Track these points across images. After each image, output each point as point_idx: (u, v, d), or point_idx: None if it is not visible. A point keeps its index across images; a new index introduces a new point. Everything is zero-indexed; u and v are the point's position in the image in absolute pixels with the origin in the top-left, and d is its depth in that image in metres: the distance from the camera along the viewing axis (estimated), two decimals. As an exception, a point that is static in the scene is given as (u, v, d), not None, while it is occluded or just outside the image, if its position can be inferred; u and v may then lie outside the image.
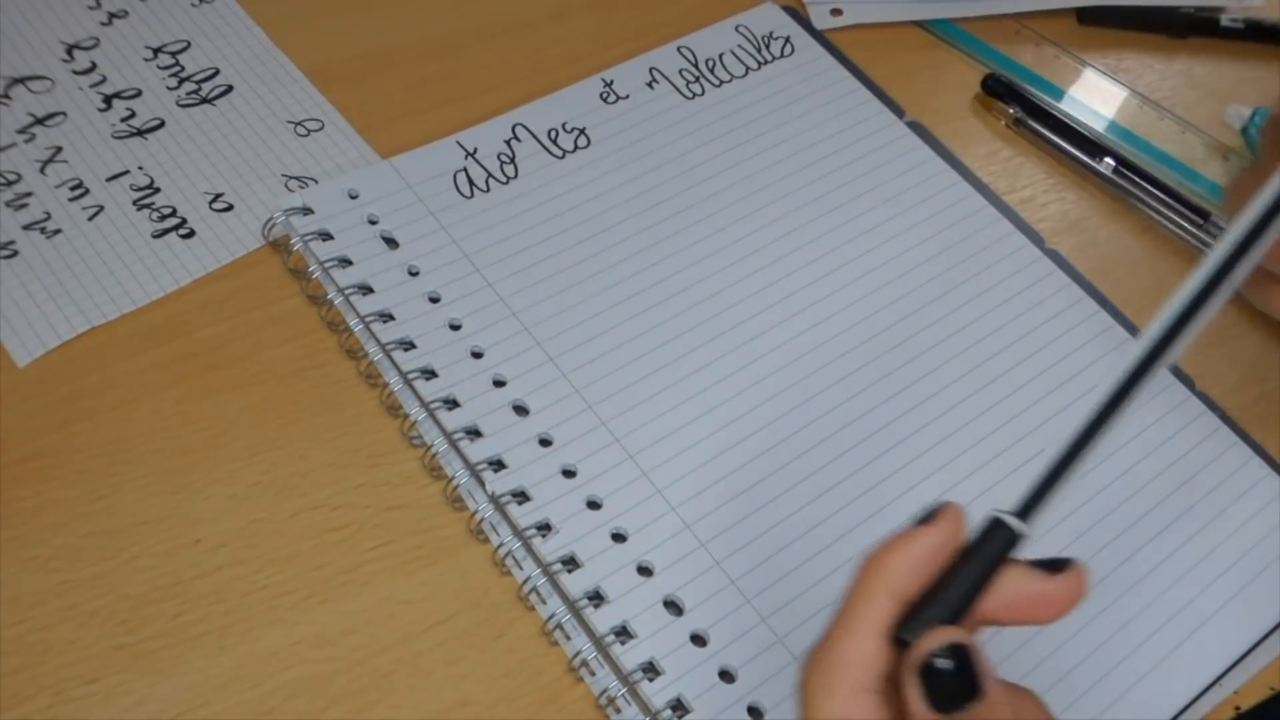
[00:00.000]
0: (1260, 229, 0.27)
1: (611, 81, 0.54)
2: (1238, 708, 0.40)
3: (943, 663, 0.24)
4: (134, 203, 0.48)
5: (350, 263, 0.46)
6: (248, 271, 0.47)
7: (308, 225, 0.46)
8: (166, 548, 0.39)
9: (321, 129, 0.51)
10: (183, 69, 0.53)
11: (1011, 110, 0.56)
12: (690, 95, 0.54)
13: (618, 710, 0.37)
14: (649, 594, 0.39)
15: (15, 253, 0.46)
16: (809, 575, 0.40)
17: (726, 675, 0.38)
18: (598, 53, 0.55)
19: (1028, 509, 0.26)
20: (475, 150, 0.50)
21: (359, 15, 0.56)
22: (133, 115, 0.51)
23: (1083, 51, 0.60)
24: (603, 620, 0.38)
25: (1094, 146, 0.55)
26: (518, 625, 0.39)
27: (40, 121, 0.50)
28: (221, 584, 0.39)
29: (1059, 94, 0.58)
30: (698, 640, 0.38)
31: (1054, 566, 0.26)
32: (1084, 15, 0.61)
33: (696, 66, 0.55)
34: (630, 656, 0.38)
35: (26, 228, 0.47)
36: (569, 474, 0.41)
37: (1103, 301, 0.49)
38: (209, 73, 0.53)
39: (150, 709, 0.36)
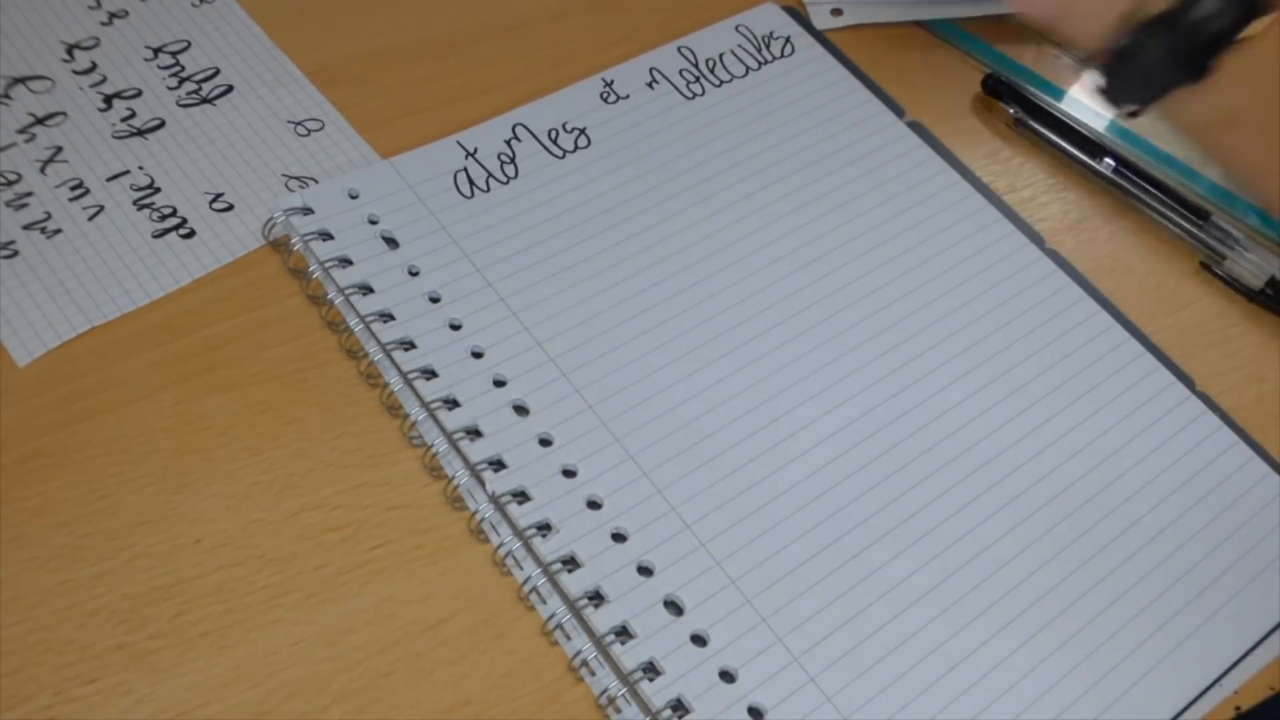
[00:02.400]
0: None
1: (611, 81, 0.54)
2: (1238, 708, 0.40)
3: None
4: (134, 203, 0.48)
5: (350, 262, 0.46)
6: (248, 271, 0.47)
7: (308, 225, 0.46)
8: (166, 548, 0.39)
9: (321, 129, 0.51)
10: (183, 69, 0.53)
11: (1011, 110, 0.56)
12: (690, 95, 0.54)
13: (618, 710, 0.37)
14: (649, 594, 0.39)
15: (15, 253, 0.46)
16: (809, 575, 0.40)
17: (727, 675, 0.38)
18: (598, 53, 0.55)
19: None
20: (475, 150, 0.50)
21: (359, 15, 0.56)
22: (133, 115, 0.51)
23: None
24: (603, 620, 0.38)
25: (1094, 146, 0.55)
26: (518, 625, 0.39)
27: (40, 121, 0.50)
28: (221, 584, 0.39)
29: (1059, 94, 0.58)
30: (698, 640, 0.38)
31: None
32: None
33: (697, 66, 0.55)
34: (630, 656, 0.38)
35: (26, 228, 0.47)
36: (569, 474, 0.41)
37: (1102, 301, 0.49)
38: (209, 73, 0.53)
39: (150, 709, 0.36)
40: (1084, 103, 0.58)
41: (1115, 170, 0.54)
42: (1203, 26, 0.35)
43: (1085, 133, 0.55)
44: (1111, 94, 0.38)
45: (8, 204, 0.47)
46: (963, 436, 0.44)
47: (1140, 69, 0.37)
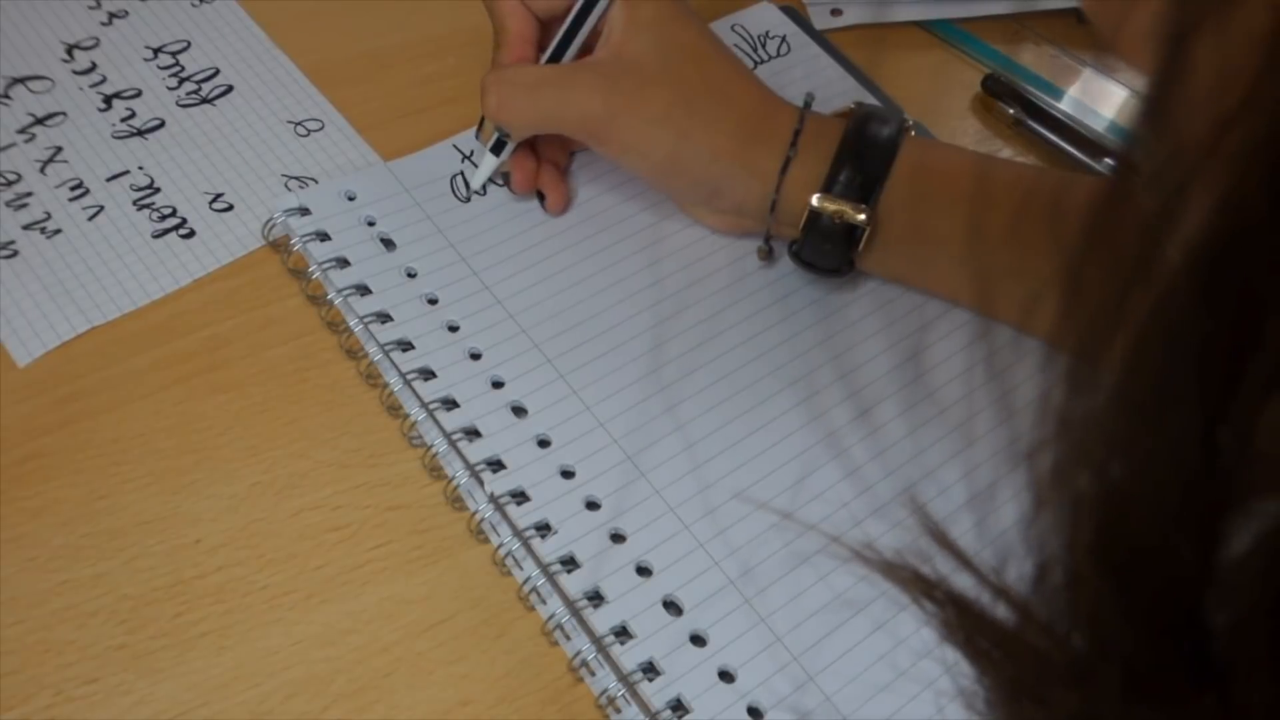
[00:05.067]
0: None
1: (611, 81, 0.54)
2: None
3: None
4: (134, 203, 0.48)
5: (348, 263, 0.46)
6: (248, 271, 0.47)
7: (305, 226, 0.46)
8: (166, 548, 0.39)
9: (321, 129, 0.51)
10: (183, 69, 0.53)
11: (1011, 110, 0.56)
12: (690, 95, 0.54)
13: (618, 710, 0.37)
14: (648, 594, 0.39)
15: (15, 253, 0.46)
16: (808, 574, 0.40)
17: (726, 675, 0.38)
18: (597, 53, 0.55)
19: None
20: (471, 153, 0.50)
21: (359, 15, 0.56)
22: (133, 115, 0.51)
23: (1083, 51, 0.60)
24: (602, 620, 0.38)
25: (1094, 146, 0.55)
26: (518, 625, 0.39)
27: (40, 121, 0.50)
28: (221, 584, 0.39)
29: (1059, 94, 0.58)
30: (697, 640, 0.38)
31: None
32: (1084, 15, 0.61)
33: (696, 66, 0.55)
34: (630, 656, 0.38)
35: (26, 228, 0.47)
36: (567, 474, 0.41)
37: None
38: (209, 73, 0.53)
39: (150, 709, 0.36)
40: (1084, 103, 0.58)
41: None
42: (829, 232, 0.44)
43: (1085, 133, 0.55)
44: (804, 263, 0.46)
45: (8, 204, 0.47)
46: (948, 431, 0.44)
47: (812, 256, 0.46)
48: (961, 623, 0.20)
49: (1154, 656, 0.17)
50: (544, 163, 0.49)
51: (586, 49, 0.47)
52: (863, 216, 0.43)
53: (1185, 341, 0.16)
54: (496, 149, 0.47)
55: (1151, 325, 0.16)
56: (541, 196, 0.48)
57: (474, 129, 0.50)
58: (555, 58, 0.46)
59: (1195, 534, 0.16)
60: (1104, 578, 0.17)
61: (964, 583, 0.20)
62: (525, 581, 0.39)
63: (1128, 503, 0.17)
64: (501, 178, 0.49)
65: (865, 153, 0.44)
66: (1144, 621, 0.17)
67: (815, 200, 0.44)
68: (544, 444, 0.42)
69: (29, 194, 0.48)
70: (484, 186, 0.49)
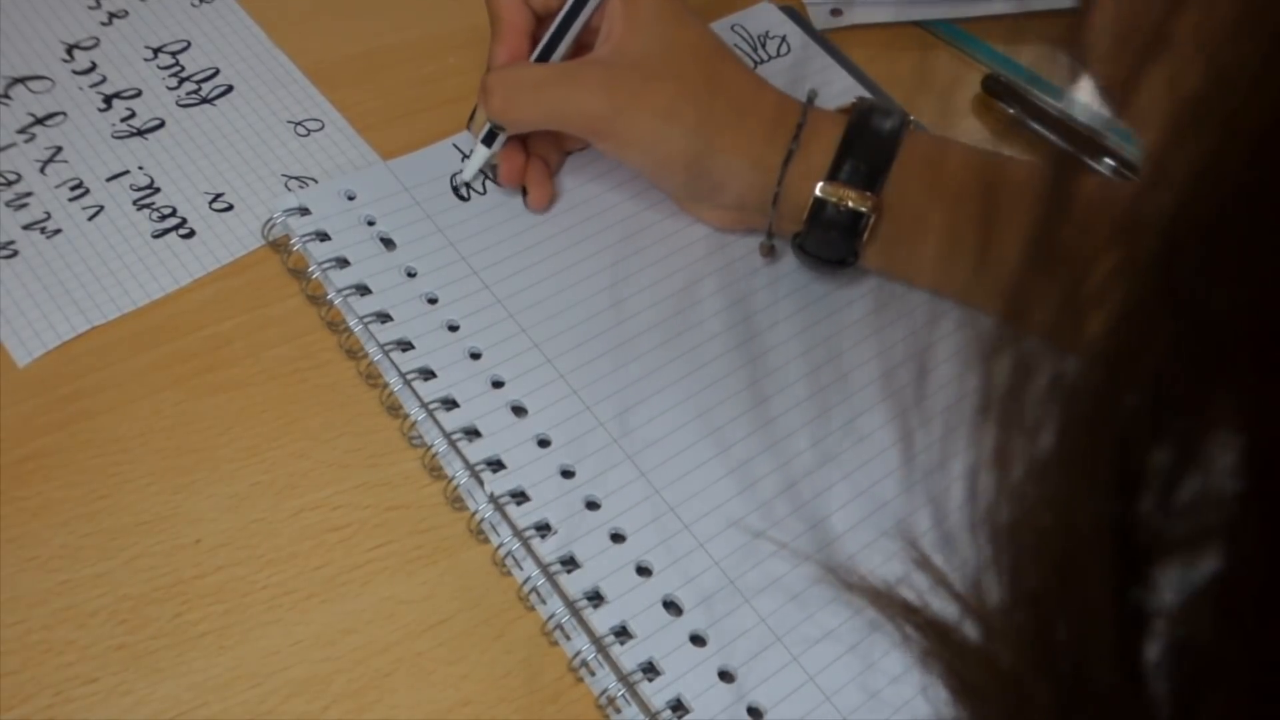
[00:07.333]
0: None
1: (611, 81, 0.54)
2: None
3: None
4: (134, 203, 0.48)
5: (348, 263, 0.46)
6: (248, 271, 0.47)
7: (305, 226, 0.46)
8: (166, 548, 0.39)
9: (321, 129, 0.51)
10: (183, 69, 0.53)
11: (1011, 110, 0.56)
12: (690, 95, 0.54)
13: (617, 710, 0.37)
14: (648, 594, 0.39)
15: (15, 253, 0.46)
16: (808, 574, 0.40)
17: (726, 675, 0.38)
18: (597, 53, 0.55)
19: None
20: (471, 153, 0.50)
21: (359, 15, 0.56)
22: (133, 115, 0.51)
23: (1082, 51, 0.60)
24: (602, 620, 0.38)
25: (1094, 146, 0.55)
26: (518, 625, 0.39)
27: (40, 121, 0.50)
28: (221, 584, 0.39)
29: (1059, 94, 0.58)
30: (697, 640, 0.38)
31: None
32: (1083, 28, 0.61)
33: (696, 66, 0.55)
34: (630, 656, 0.38)
35: (26, 228, 0.47)
36: (567, 474, 0.41)
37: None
38: (209, 73, 0.53)
39: (150, 709, 0.36)
40: (1084, 103, 0.58)
41: (1115, 171, 0.54)
42: (834, 223, 0.44)
43: (1085, 133, 0.55)
44: (808, 255, 0.46)
45: (8, 204, 0.47)
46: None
47: (816, 247, 0.46)
48: (942, 652, 0.20)
49: (1081, 706, 0.17)
50: (532, 158, 0.49)
51: (584, 47, 0.47)
52: (868, 203, 0.43)
53: (1100, 422, 0.16)
54: (488, 140, 0.48)
55: (1069, 406, 0.17)
56: (525, 192, 0.48)
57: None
58: (546, 53, 0.46)
59: (1115, 599, 0.16)
60: (1040, 627, 0.18)
61: (944, 606, 0.20)
62: (525, 581, 0.39)
63: (1060, 570, 0.17)
64: (490, 170, 0.49)
65: (869, 143, 0.44)
66: (1070, 670, 0.17)
67: (820, 188, 0.44)
68: (544, 444, 0.42)
69: (29, 194, 0.48)
70: (483, 185, 0.49)
